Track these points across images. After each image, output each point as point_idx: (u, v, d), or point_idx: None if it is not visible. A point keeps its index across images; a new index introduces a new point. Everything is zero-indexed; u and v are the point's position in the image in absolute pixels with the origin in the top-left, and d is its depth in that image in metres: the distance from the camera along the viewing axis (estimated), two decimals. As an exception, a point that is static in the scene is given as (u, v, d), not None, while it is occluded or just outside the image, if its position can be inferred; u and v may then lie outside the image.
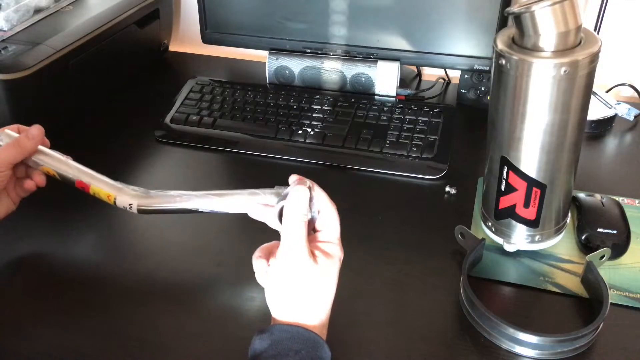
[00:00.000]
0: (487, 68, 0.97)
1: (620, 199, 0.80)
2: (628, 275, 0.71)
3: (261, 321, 0.66)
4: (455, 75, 1.08)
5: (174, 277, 0.72)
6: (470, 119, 1.00)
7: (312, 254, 0.57)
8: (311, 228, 0.60)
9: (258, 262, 0.60)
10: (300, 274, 0.56)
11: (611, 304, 0.64)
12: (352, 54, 1.02)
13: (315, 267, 0.57)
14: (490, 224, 0.74)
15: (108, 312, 0.68)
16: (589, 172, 0.87)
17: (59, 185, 0.87)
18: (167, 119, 0.98)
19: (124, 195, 0.66)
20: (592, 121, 0.96)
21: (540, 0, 0.58)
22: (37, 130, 0.71)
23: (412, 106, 0.98)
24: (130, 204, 0.66)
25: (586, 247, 0.73)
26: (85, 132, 0.98)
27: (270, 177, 0.89)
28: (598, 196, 0.78)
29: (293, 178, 0.61)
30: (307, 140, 0.92)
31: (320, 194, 0.60)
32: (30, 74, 0.86)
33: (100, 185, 0.68)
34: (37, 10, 0.99)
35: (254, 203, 0.62)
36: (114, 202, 0.67)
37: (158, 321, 0.66)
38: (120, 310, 0.68)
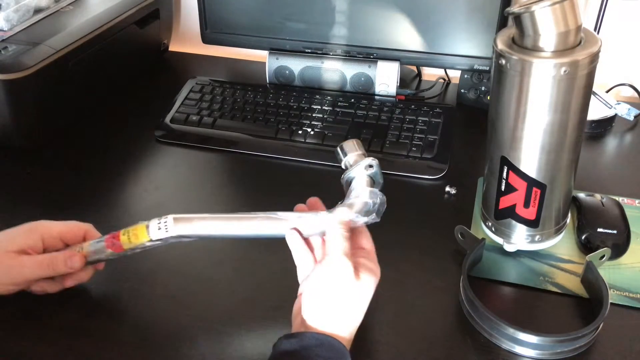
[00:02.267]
0: (487, 68, 0.97)
1: (620, 199, 0.80)
2: (628, 275, 0.71)
3: (260, 321, 0.66)
4: (455, 75, 1.08)
5: (174, 277, 0.72)
6: (470, 119, 1.00)
7: (356, 270, 0.58)
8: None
9: (304, 252, 0.61)
10: (343, 287, 0.58)
11: (611, 304, 0.64)
12: (352, 54, 1.02)
13: (358, 282, 0.58)
14: (490, 224, 0.74)
15: (108, 312, 0.68)
16: (589, 172, 0.87)
17: (59, 185, 0.88)
18: (167, 119, 0.98)
19: (153, 219, 0.62)
20: (592, 121, 0.96)
21: (540, 0, 0.58)
22: (79, 263, 0.63)
23: (412, 106, 0.98)
24: (165, 219, 0.61)
25: (586, 247, 0.73)
26: (85, 132, 0.98)
27: (270, 177, 0.89)
28: (598, 196, 0.78)
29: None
30: (307, 140, 0.92)
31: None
32: (30, 74, 0.86)
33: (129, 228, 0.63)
34: (37, 10, 0.99)
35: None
36: (147, 228, 0.61)
37: (158, 321, 0.66)
38: (120, 310, 0.68)
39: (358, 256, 0.61)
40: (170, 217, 0.60)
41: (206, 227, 0.61)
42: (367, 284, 0.59)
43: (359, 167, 0.65)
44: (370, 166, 0.64)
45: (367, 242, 0.63)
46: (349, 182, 0.65)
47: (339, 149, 0.67)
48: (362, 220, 0.62)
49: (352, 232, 0.62)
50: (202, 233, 0.61)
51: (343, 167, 0.66)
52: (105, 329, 0.65)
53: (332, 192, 0.86)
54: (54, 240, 0.65)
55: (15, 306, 0.67)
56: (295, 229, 0.62)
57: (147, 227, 0.61)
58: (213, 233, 0.61)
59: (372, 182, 0.65)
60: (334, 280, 0.58)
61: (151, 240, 0.61)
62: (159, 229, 0.60)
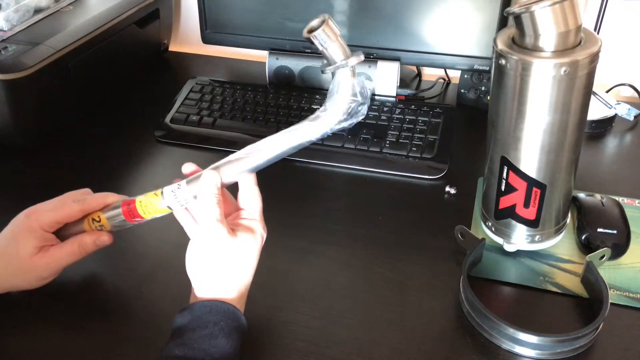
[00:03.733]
0: (487, 68, 0.97)
1: (620, 199, 0.80)
2: (628, 275, 0.71)
3: (259, 321, 0.66)
4: (455, 75, 1.08)
5: (174, 277, 0.72)
6: (470, 119, 1.00)
7: (232, 230, 0.59)
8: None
9: (185, 216, 0.63)
10: (218, 248, 0.58)
11: (611, 304, 0.64)
12: (352, 54, 1.02)
13: (234, 240, 0.59)
14: (490, 224, 0.74)
15: (108, 312, 0.68)
16: (589, 172, 0.87)
17: (59, 185, 0.88)
18: (167, 119, 0.98)
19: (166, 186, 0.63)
20: (592, 121, 0.96)
21: (540, 0, 0.58)
22: (109, 241, 0.66)
23: (412, 106, 0.98)
24: (178, 184, 0.62)
25: (586, 247, 0.73)
26: (85, 132, 0.98)
27: (270, 177, 0.89)
28: (598, 196, 0.78)
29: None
30: (307, 140, 0.92)
31: (244, 176, 0.62)
32: (30, 74, 0.86)
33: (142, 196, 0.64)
34: (37, 10, 0.99)
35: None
36: (161, 193, 0.63)
37: (158, 321, 0.66)
38: (120, 310, 0.68)
39: (237, 217, 0.62)
40: (183, 181, 0.62)
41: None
42: (245, 242, 0.59)
43: (342, 70, 0.59)
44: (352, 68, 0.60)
45: (249, 200, 0.63)
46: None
47: (320, 45, 0.58)
48: (346, 123, 0.61)
49: (224, 195, 0.62)
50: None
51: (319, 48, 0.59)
52: (105, 329, 0.65)
53: (332, 192, 0.86)
54: (53, 228, 0.65)
55: (15, 307, 0.67)
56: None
57: (162, 192, 0.63)
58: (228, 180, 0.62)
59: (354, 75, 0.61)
60: (209, 246, 0.58)
61: (163, 201, 0.63)
62: (172, 191, 0.62)
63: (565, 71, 0.60)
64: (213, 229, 0.58)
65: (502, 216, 0.71)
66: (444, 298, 0.69)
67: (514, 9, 0.60)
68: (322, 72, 0.60)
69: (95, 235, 0.65)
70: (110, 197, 0.66)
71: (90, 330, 0.65)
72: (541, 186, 0.67)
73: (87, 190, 0.68)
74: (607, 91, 1.05)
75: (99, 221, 0.65)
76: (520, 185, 0.68)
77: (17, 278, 0.64)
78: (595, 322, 0.62)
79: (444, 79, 1.10)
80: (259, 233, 0.61)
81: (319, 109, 0.62)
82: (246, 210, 0.63)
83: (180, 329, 0.56)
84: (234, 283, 0.59)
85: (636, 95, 1.04)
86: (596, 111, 0.96)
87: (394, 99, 1.02)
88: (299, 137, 0.61)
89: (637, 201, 0.81)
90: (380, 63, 1.01)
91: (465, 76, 1.03)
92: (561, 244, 0.74)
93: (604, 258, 0.70)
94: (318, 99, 1.00)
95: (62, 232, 0.66)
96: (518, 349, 0.63)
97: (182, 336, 0.55)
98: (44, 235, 0.64)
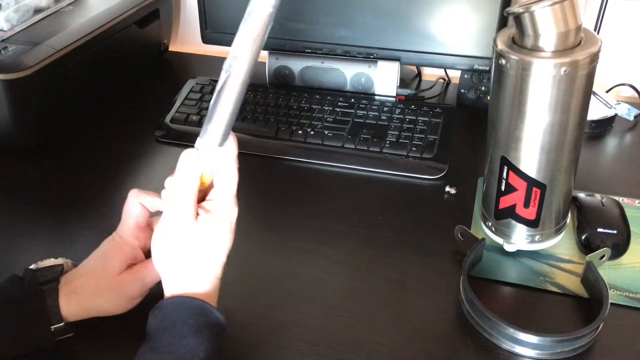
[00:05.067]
0: (487, 68, 0.97)
1: (620, 199, 0.80)
2: (628, 275, 0.71)
3: (259, 320, 0.66)
4: (455, 75, 1.08)
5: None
6: (470, 119, 1.00)
7: (198, 215, 0.55)
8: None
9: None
10: (182, 237, 0.54)
11: (611, 304, 0.64)
12: (352, 54, 1.02)
13: (198, 226, 0.54)
14: (490, 224, 0.74)
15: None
16: (589, 172, 0.87)
17: (59, 185, 0.88)
18: (167, 119, 0.98)
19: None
20: (592, 121, 0.96)
21: (540, 0, 0.58)
22: None
23: (412, 106, 0.98)
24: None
25: (586, 247, 0.73)
26: (85, 132, 0.98)
27: (270, 177, 0.89)
28: (598, 196, 0.78)
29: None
30: (307, 140, 0.92)
31: (225, 155, 0.57)
32: (30, 74, 0.86)
33: None
34: (37, 10, 0.99)
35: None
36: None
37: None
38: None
39: (202, 206, 0.56)
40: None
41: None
42: (211, 227, 0.55)
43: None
44: None
45: (223, 176, 0.57)
46: None
47: None
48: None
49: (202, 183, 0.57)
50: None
51: None
52: (104, 329, 0.65)
53: (332, 192, 0.86)
54: (136, 236, 0.63)
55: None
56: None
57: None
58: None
59: None
60: (172, 235, 0.54)
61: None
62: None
63: (565, 71, 0.60)
64: (175, 216, 0.54)
65: (502, 216, 0.71)
66: (444, 298, 0.69)
67: (514, 9, 0.60)
68: None
69: None
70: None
71: (90, 330, 0.65)
72: (541, 186, 0.67)
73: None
74: (607, 91, 1.05)
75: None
76: (520, 185, 0.68)
77: (103, 298, 0.62)
78: (595, 322, 0.62)
79: (444, 79, 1.10)
80: (225, 214, 0.56)
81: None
82: (216, 189, 0.57)
83: (152, 330, 0.54)
84: (203, 274, 0.55)
85: (636, 95, 1.04)
86: (596, 111, 0.96)
87: (394, 99, 1.02)
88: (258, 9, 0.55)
89: (637, 201, 0.81)
90: (380, 63, 1.01)
91: (465, 76, 1.03)
92: (561, 244, 0.74)
93: (604, 258, 0.70)
94: (318, 98, 1.00)
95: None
96: (518, 349, 0.63)
97: (153, 339, 0.53)
98: (133, 251, 0.63)
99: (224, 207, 0.56)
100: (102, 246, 0.64)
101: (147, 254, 0.63)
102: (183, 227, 0.54)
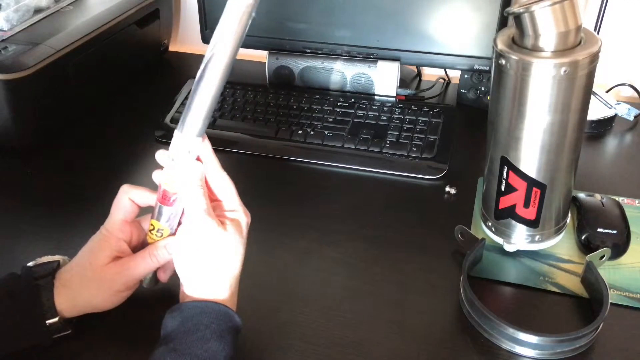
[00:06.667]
0: (487, 68, 0.97)
1: (620, 199, 0.80)
2: (628, 275, 0.71)
3: (259, 321, 0.66)
4: (455, 75, 1.08)
5: (174, 277, 0.72)
6: (470, 119, 1.00)
7: (222, 223, 0.57)
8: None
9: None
10: (210, 244, 0.56)
11: (611, 304, 0.64)
12: (352, 54, 1.02)
13: (225, 235, 0.57)
14: (490, 224, 0.74)
15: (106, 311, 0.67)
16: (589, 172, 0.87)
17: (59, 185, 0.88)
18: (167, 119, 0.98)
19: None
20: (592, 121, 0.96)
21: (540, 0, 0.58)
22: None
23: (412, 106, 0.98)
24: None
25: (586, 247, 0.73)
26: (85, 132, 0.98)
27: (270, 177, 0.89)
28: (598, 196, 0.78)
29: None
30: (307, 140, 0.92)
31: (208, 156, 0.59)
32: (30, 74, 0.86)
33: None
34: (37, 10, 0.99)
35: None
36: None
37: (158, 321, 0.66)
38: (119, 310, 0.68)
39: (217, 209, 0.59)
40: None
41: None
42: (234, 236, 0.57)
43: None
44: None
45: (222, 189, 0.60)
46: None
47: None
48: None
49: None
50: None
51: None
52: (104, 328, 0.65)
53: (332, 192, 0.86)
54: (123, 231, 0.63)
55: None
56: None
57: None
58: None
59: None
60: (200, 241, 0.56)
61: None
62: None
63: (565, 71, 0.60)
64: (203, 224, 0.56)
65: (502, 216, 0.71)
66: (444, 298, 0.69)
67: (514, 9, 0.60)
68: None
69: (165, 242, 0.62)
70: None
71: (90, 330, 0.65)
72: (541, 186, 0.67)
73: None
74: (607, 91, 1.05)
75: (154, 228, 0.62)
76: (520, 185, 0.68)
77: (91, 291, 0.62)
78: (595, 322, 0.62)
79: (444, 79, 1.10)
80: (244, 223, 0.59)
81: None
82: (225, 201, 0.60)
83: (172, 332, 0.55)
84: (225, 280, 0.58)
85: (636, 95, 1.04)
86: (596, 111, 0.96)
87: (394, 99, 1.02)
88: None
89: (637, 201, 0.81)
90: (380, 63, 1.01)
91: (465, 76, 1.03)
92: (561, 244, 0.74)
93: (604, 258, 0.70)
94: (318, 98, 1.00)
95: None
96: (518, 349, 0.63)
97: (174, 340, 0.54)
98: (119, 244, 0.62)
99: (241, 216, 0.59)
100: (90, 240, 0.64)
101: (134, 249, 0.64)
102: (208, 234, 0.56)
